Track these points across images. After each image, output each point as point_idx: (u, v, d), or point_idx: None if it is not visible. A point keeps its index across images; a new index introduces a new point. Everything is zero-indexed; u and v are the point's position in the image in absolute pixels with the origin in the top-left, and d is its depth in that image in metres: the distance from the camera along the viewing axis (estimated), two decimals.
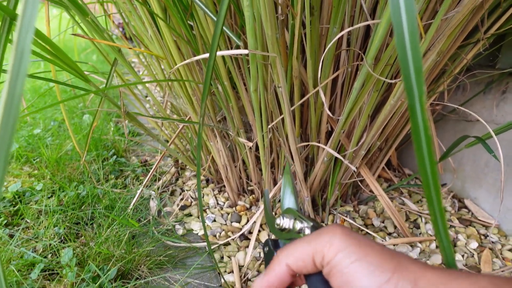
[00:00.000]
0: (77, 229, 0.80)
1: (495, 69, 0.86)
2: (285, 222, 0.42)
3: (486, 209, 0.97)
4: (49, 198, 0.89)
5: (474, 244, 0.87)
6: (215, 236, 0.87)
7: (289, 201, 0.55)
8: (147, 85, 2.21)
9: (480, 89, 0.93)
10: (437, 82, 0.83)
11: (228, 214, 0.94)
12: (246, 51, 0.53)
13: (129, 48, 0.62)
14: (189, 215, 0.94)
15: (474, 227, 0.94)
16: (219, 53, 0.54)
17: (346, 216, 0.91)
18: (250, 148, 0.83)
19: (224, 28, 0.57)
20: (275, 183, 0.90)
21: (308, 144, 0.82)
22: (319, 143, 0.81)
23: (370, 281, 0.24)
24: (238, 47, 0.68)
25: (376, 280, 0.24)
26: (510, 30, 0.74)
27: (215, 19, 0.56)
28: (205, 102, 0.43)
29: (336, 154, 0.67)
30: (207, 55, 0.56)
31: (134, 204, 0.85)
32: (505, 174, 0.82)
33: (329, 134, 0.82)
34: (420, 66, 0.23)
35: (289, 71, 0.66)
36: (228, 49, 0.67)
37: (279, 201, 0.91)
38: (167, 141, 1.13)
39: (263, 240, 0.85)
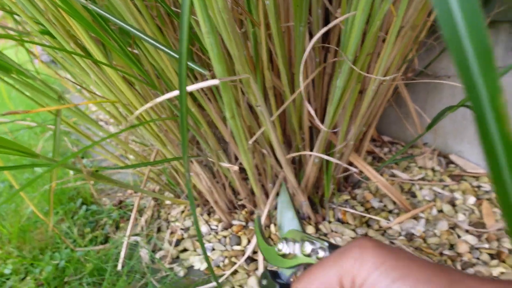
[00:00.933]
0: None
1: None
2: (289, 246, 0.36)
3: (473, 160, 0.97)
4: (22, 280, 0.77)
5: (472, 199, 0.87)
6: (219, 266, 0.80)
7: (289, 225, 0.47)
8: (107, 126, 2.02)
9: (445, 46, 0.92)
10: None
11: (225, 237, 0.87)
12: (217, 81, 0.45)
13: (67, 107, 0.52)
14: (185, 250, 0.87)
15: (466, 180, 0.95)
16: (189, 88, 0.47)
17: (346, 207, 0.87)
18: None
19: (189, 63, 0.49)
20: (266, 195, 0.84)
21: (293, 148, 0.77)
22: (303, 139, 0.76)
23: None
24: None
25: None
26: None
27: (176, 56, 0.48)
28: (186, 156, 0.35)
29: (327, 158, 0.62)
30: (173, 93, 0.48)
31: (123, 260, 0.76)
32: None
33: (310, 128, 0.77)
34: (488, 47, 0.14)
35: (259, 83, 0.59)
36: (191, 79, 0.59)
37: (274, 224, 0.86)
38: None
39: None
